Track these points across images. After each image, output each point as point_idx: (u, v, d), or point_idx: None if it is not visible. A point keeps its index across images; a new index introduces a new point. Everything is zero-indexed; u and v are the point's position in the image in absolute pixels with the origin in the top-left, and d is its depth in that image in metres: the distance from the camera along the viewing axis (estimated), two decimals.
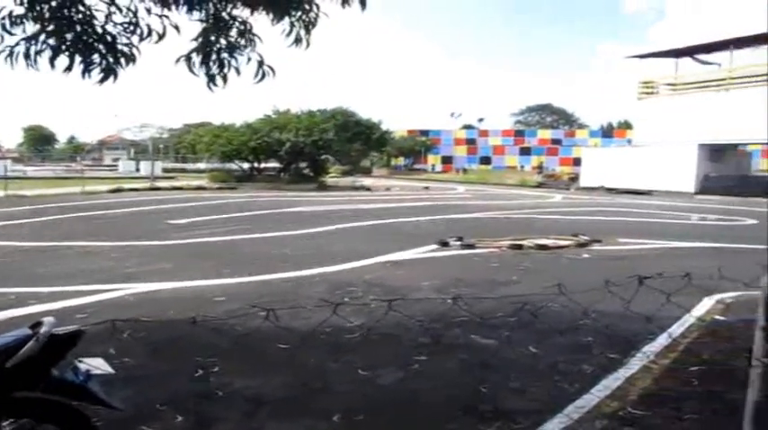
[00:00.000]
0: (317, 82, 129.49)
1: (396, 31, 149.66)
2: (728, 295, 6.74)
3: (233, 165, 37.18)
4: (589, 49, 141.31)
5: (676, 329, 5.59)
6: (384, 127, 60.44)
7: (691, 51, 32.69)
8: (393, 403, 4.08)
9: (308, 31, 4.41)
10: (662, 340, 5.27)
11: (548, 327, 5.57)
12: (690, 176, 31.54)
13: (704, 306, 6.53)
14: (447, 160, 68.81)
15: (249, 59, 4.35)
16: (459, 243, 11.48)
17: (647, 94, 34.76)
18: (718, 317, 6.18)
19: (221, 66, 4.31)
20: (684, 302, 5.57)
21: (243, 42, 4.35)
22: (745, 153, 35.85)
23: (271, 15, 4.27)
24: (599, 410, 3.81)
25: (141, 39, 4.41)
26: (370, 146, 59.48)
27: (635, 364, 4.71)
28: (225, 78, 4.38)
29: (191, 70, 4.28)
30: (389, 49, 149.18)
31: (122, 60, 4.45)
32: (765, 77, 27.93)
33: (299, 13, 4.32)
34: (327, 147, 35.63)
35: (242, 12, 4.47)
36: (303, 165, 36.46)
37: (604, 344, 5.17)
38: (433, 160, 69.38)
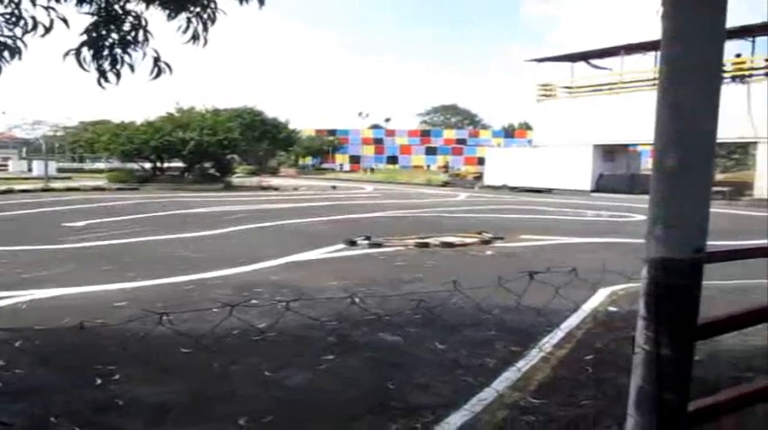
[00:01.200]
0: (224, 81, 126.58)
1: (304, 31, 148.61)
2: (620, 287, 7.12)
3: (134, 165, 35.69)
4: (490, 51, 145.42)
5: (573, 321, 5.85)
6: (292, 126, 59.99)
7: (585, 56, 34.37)
8: (301, 404, 4.05)
9: (205, 28, 4.29)
10: (559, 332, 5.52)
11: (452, 323, 5.71)
12: (586, 175, 33.14)
13: (598, 298, 6.87)
14: (355, 159, 69.05)
15: (144, 55, 4.18)
16: (366, 242, 11.54)
17: (545, 96, 36.23)
18: (610, 308, 6.52)
19: (114, 62, 4.11)
20: (580, 295, 5.88)
21: (137, 37, 4.17)
22: (636, 153, 38.04)
23: (166, 11, 4.13)
24: (501, 401, 3.94)
25: (25, 32, 4.15)
26: (277, 145, 58.86)
27: (535, 355, 4.89)
28: (118, 75, 4.18)
29: (81, 66, 4.06)
30: (298, 49, 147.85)
31: (6, 54, 4.17)
32: (652, 82, 29.74)
33: (197, 9, 4.20)
34: (233, 146, 34.88)
35: (136, 6, 4.29)
36: (208, 165, 35.53)
37: (506, 338, 5.35)
38: (341, 159, 69.44)
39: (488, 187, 36.79)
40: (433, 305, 6.20)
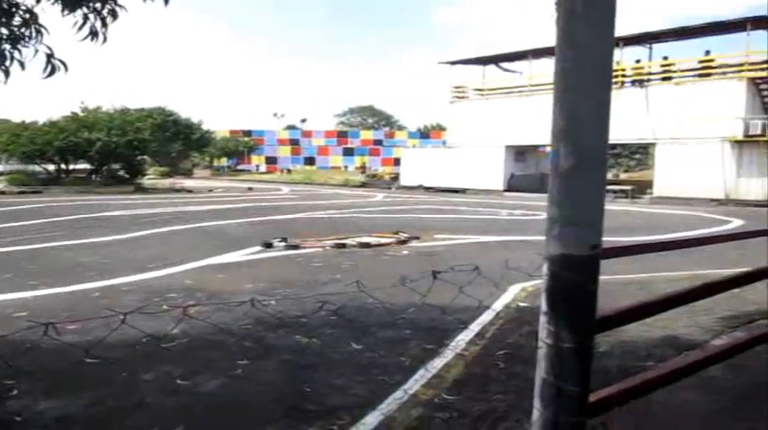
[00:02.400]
0: (135, 81, 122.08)
1: (218, 31, 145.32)
2: (530, 283, 7.34)
3: (37, 167, 33.89)
4: (406, 53, 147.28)
5: (485, 318, 5.99)
6: (206, 127, 58.71)
7: (495, 59, 35.30)
8: (215, 411, 3.96)
9: (104, 25, 4.09)
10: (473, 329, 5.64)
11: (367, 323, 5.73)
12: (498, 175, 34.05)
13: (509, 294, 7.07)
14: (271, 161, 68.26)
15: (36, 52, 3.94)
16: (283, 244, 11.43)
17: (458, 98, 36.96)
18: (520, 304, 6.73)
19: (2, 58, 3.87)
20: (493, 292, 6.03)
21: (28, 33, 3.93)
22: (545, 153, 39.40)
23: (60, 6, 3.91)
24: (416, 399, 3.98)
25: None
26: (190, 146, 57.47)
27: (449, 353, 4.98)
28: (7, 72, 3.93)
29: None
30: (212, 49, 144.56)
31: None
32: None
33: (95, 5, 4.00)
34: (143, 147, 33.78)
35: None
36: (117, 166, 34.23)
37: (421, 337, 5.42)
38: (257, 161, 68.48)
39: (405, 188, 37.20)
40: (349, 306, 6.21)
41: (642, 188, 29.06)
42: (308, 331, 5.55)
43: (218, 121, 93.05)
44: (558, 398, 2.08)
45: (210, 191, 32.37)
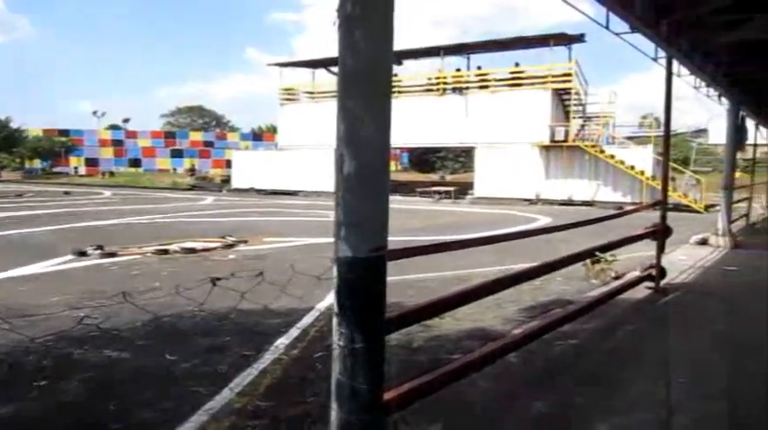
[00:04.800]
0: None
1: (27, 23, 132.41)
2: None
3: None
4: (238, 53, 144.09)
5: (307, 320, 6.01)
6: (15, 125, 53.43)
7: (325, 63, 35.58)
8: None
9: None
10: (294, 331, 5.62)
11: (185, 332, 5.52)
12: (331, 177, 34.28)
13: (331, 297, 7.15)
14: (92, 162, 63.59)
15: None
16: (98, 252, 10.67)
17: (289, 100, 36.80)
18: None
19: None
20: (316, 294, 6.05)
21: None
22: (396, 155, 40.42)
23: None
24: (229, 408, 3.89)
25: None
26: None
27: (268, 358, 4.92)
28: None
29: None
30: (20, 44, 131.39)
31: None
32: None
33: None
34: None
35: None
36: None
37: (241, 343, 5.30)
38: (75, 162, 63.45)
39: (236, 190, 36.38)
40: (167, 314, 5.94)
41: (465, 189, 30.79)
42: (120, 344, 5.23)
43: (31, 120, 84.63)
44: (352, 398, 2.12)
45: (20, 195, 29.44)
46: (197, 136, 70.63)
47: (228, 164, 46.36)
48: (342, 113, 1.81)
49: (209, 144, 68.19)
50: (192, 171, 53.80)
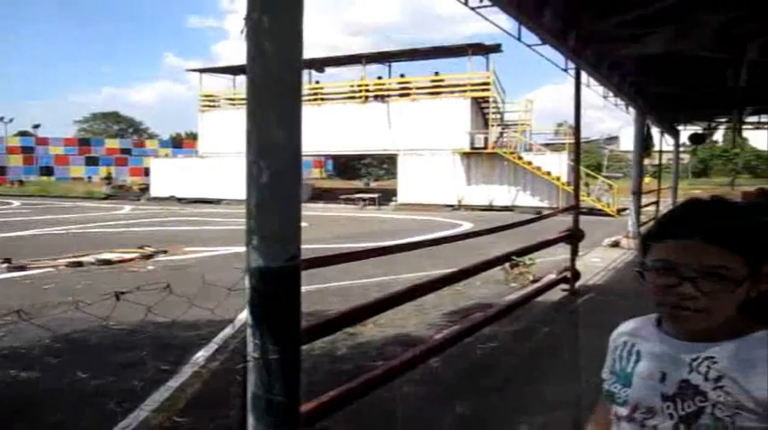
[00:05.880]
0: None
1: None
2: None
3: None
4: (157, 59, 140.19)
5: (228, 331, 5.88)
6: None
7: (244, 70, 35.10)
8: None
9: None
10: (214, 344, 5.49)
11: (100, 349, 5.31)
12: None
13: None
14: None
15: None
16: (5, 265, 10.12)
17: (209, 106, 36.03)
18: None
19: None
20: (238, 304, 5.93)
21: None
22: (321, 162, 40.02)
23: None
24: (146, 425, 3.76)
25: None
26: None
27: (187, 372, 4.79)
28: None
29: None
30: None
31: None
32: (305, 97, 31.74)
33: None
34: None
35: None
36: None
37: (158, 357, 5.14)
38: None
39: (156, 199, 35.25)
40: (79, 330, 5.70)
41: (389, 196, 30.99)
42: (27, 363, 4.97)
43: None
44: (268, 411, 2.08)
45: None
46: (113, 143, 68.08)
47: (147, 172, 44.90)
48: (252, 122, 1.78)
49: (126, 151, 65.85)
50: (108, 179, 51.73)
